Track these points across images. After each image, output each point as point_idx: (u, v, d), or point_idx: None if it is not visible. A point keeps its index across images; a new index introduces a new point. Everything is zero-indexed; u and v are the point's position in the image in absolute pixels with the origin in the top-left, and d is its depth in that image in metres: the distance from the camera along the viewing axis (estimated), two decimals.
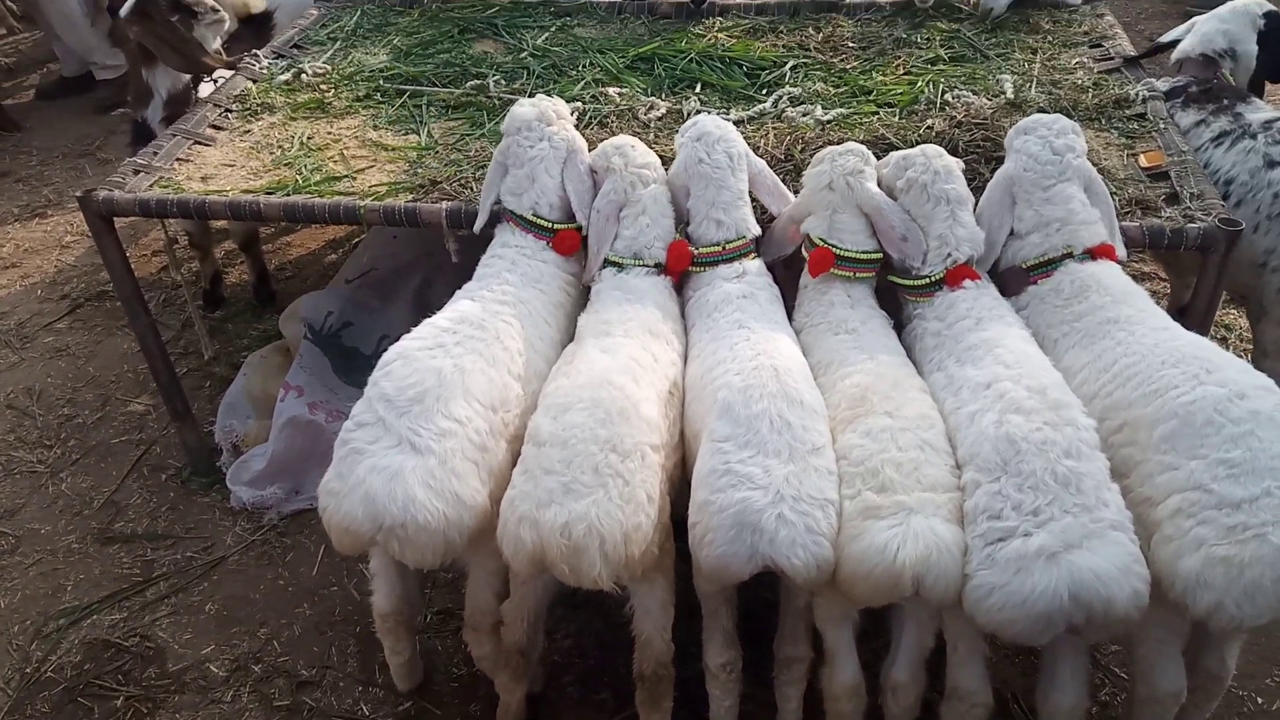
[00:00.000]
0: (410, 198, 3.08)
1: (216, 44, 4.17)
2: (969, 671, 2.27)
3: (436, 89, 3.75)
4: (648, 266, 2.73)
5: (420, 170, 3.24)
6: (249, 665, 2.94)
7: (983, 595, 2.02)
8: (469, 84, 3.74)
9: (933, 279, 2.64)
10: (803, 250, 2.77)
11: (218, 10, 4.15)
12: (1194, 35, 3.57)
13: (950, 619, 2.24)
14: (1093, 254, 2.57)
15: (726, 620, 2.39)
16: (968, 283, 2.61)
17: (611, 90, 3.60)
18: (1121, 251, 2.64)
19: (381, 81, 3.83)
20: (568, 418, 2.20)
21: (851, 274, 2.69)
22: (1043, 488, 2.05)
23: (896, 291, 2.74)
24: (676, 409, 2.45)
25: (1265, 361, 3.10)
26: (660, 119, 3.45)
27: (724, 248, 2.73)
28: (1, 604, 3.20)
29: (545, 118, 2.84)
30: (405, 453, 2.15)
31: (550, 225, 2.78)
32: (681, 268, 2.75)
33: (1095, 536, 1.99)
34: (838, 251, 2.67)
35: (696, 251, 2.75)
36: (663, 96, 3.60)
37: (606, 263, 2.75)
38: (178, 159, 3.43)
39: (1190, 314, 2.91)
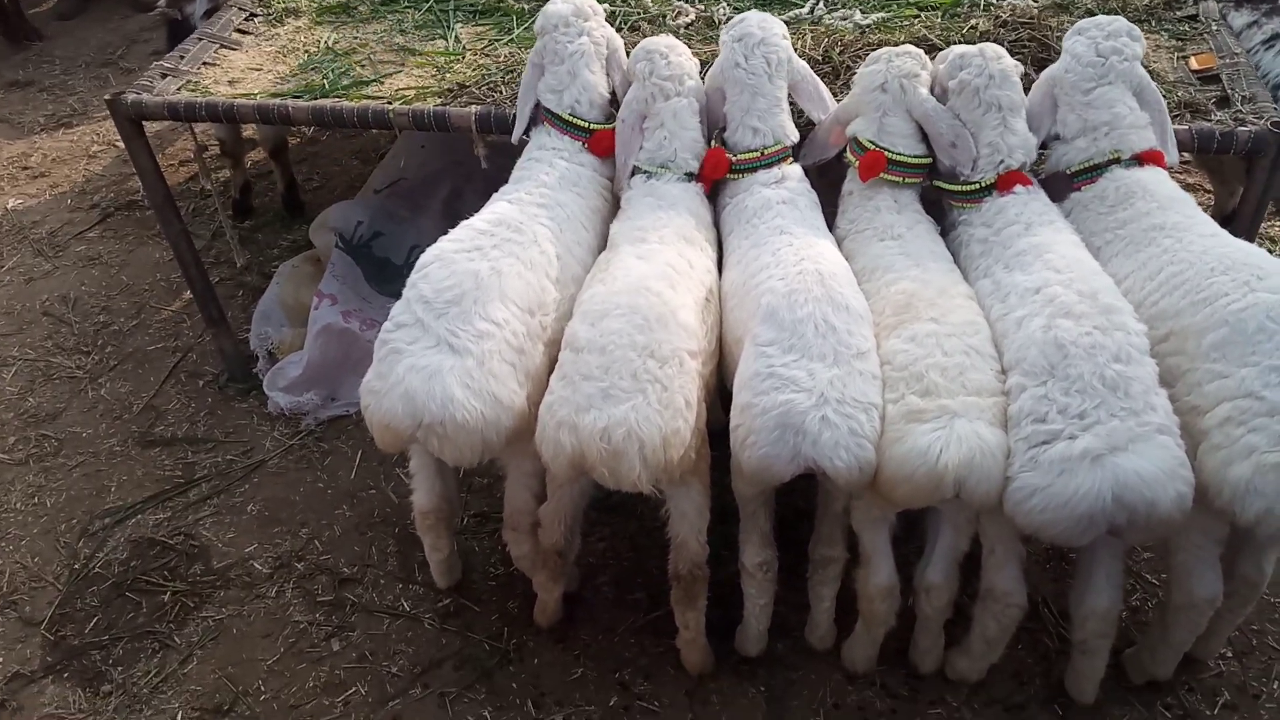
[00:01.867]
0: (439, 102, 3.03)
1: None
2: (1006, 574, 2.29)
3: None
4: (680, 174, 2.69)
5: (448, 75, 3.18)
6: (291, 563, 3.01)
7: (1025, 496, 2.03)
8: None
9: (983, 184, 2.58)
10: (847, 154, 2.71)
11: None
12: None
13: (988, 522, 2.25)
14: (1140, 159, 2.50)
15: (764, 522, 2.41)
16: (1019, 188, 2.55)
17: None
18: (1173, 157, 2.56)
19: None
20: (605, 324, 2.19)
21: (901, 179, 2.63)
22: (1090, 391, 2.03)
23: (941, 197, 2.69)
24: (714, 315, 2.44)
25: None
26: (690, 25, 3.36)
27: (762, 154, 2.68)
28: (48, 504, 3.28)
29: (582, 13, 2.78)
30: (444, 353, 2.16)
31: (588, 125, 2.73)
32: (719, 175, 2.70)
33: (1141, 440, 1.98)
34: (890, 155, 2.61)
35: (734, 158, 2.70)
36: (695, 3, 3.49)
37: (636, 170, 2.71)
38: (204, 63, 3.38)
39: (1237, 221, 2.84)
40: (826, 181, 2.89)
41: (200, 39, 3.47)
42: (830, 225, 2.69)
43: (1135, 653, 2.52)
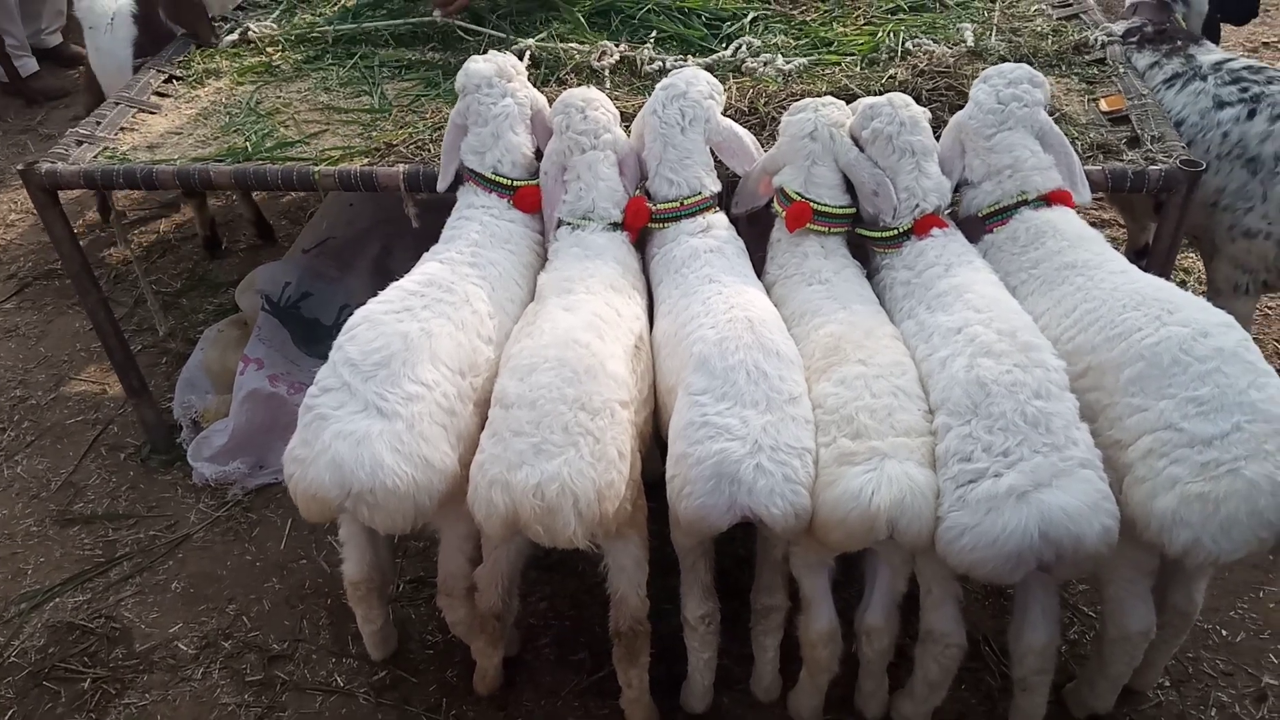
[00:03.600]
0: (366, 161, 3.01)
1: (230, 34, 3.95)
2: (943, 614, 2.28)
3: (389, 49, 3.67)
4: (604, 224, 2.69)
5: (375, 133, 3.16)
6: (218, 642, 2.89)
7: (955, 536, 2.04)
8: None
9: (901, 229, 2.63)
10: (774, 205, 2.75)
11: None
12: None
13: (924, 562, 2.26)
14: (1048, 200, 2.57)
15: (704, 573, 2.39)
16: (935, 231, 2.61)
17: (569, 45, 3.53)
18: (1084, 196, 2.64)
19: (330, 44, 3.73)
20: (534, 378, 2.17)
21: (827, 229, 2.68)
22: (1013, 429, 2.06)
23: (865, 243, 2.73)
24: (644, 364, 2.43)
25: (1219, 300, 3.13)
26: (615, 66, 3.39)
27: (681, 204, 2.71)
28: None
29: (505, 73, 2.79)
30: (372, 417, 2.11)
31: (510, 182, 2.73)
32: (640, 224, 2.72)
33: (1065, 475, 2.00)
34: (815, 206, 2.65)
35: (655, 208, 2.72)
36: (619, 44, 3.54)
37: (561, 222, 2.72)
38: (121, 128, 3.32)
39: (1152, 256, 2.93)
40: (757, 230, 2.93)
41: (117, 103, 3.41)
42: (759, 272, 2.72)
43: (1075, 687, 2.53)
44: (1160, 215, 2.90)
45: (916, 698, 2.43)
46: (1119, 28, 3.48)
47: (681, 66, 3.31)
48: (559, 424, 2.09)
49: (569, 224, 2.71)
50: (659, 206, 2.73)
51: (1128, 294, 2.23)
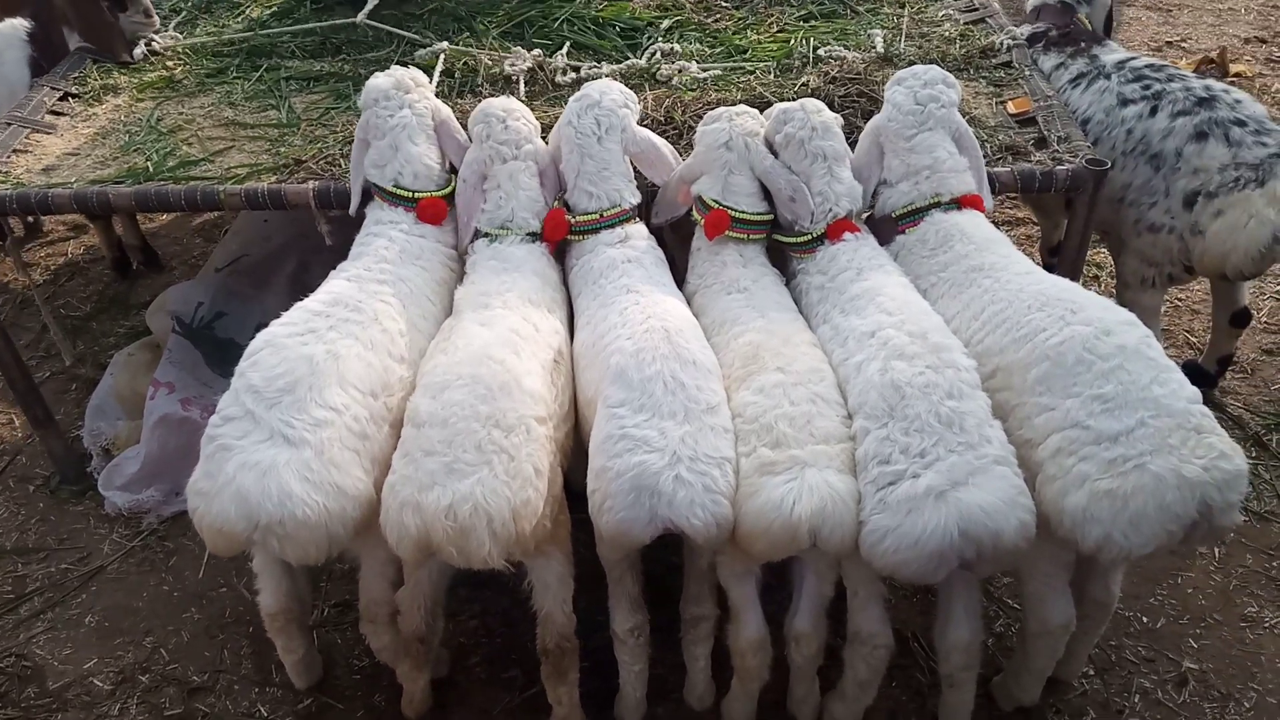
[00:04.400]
0: (274, 178, 2.94)
1: (140, 49, 3.82)
2: (869, 615, 2.30)
3: (297, 61, 3.59)
4: (522, 235, 2.67)
5: (283, 149, 3.09)
6: (136, 676, 2.79)
7: (877, 539, 2.05)
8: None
9: (815, 234, 2.65)
10: (694, 213, 2.75)
11: (150, 15, 3.89)
12: None
13: (849, 566, 2.27)
14: (959, 203, 2.62)
15: (631, 586, 2.37)
16: (848, 235, 2.63)
17: (484, 55, 3.49)
18: (989, 201, 2.69)
19: (236, 57, 3.64)
20: (447, 396, 2.13)
21: (745, 236, 2.69)
22: (928, 429, 2.09)
23: (781, 249, 2.75)
24: (563, 377, 2.40)
25: (1127, 293, 3.23)
26: (529, 75, 3.38)
27: (601, 215, 2.69)
28: None
29: (403, 85, 2.74)
30: (278, 445, 2.05)
31: (412, 194, 2.68)
32: (559, 237, 2.70)
33: (980, 472, 2.03)
34: (733, 214, 2.66)
35: (574, 220, 2.70)
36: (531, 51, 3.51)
37: (479, 234, 2.68)
38: (15, 150, 3.18)
39: (1063, 253, 3.00)
40: (680, 237, 2.92)
41: (9, 124, 3.27)
42: (680, 281, 2.72)
43: (1002, 680, 2.56)
44: (1070, 213, 2.96)
45: (847, 699, 2.44)
46: (1024, 31, 3.56)
47: (596, 75, 3.30)
48: (472, 442, 2.05)
49: (487, 235, 2.67)
50: (578, 219, 2.71)
51: (1032, 295, 2.27)
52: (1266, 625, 2.75)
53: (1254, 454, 3.28)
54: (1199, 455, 1.94)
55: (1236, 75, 5.34)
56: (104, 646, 2.88)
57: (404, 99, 2.71)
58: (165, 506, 3.27)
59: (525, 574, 2.27)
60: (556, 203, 2.77)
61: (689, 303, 2.66)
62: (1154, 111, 3.07)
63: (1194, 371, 3.37)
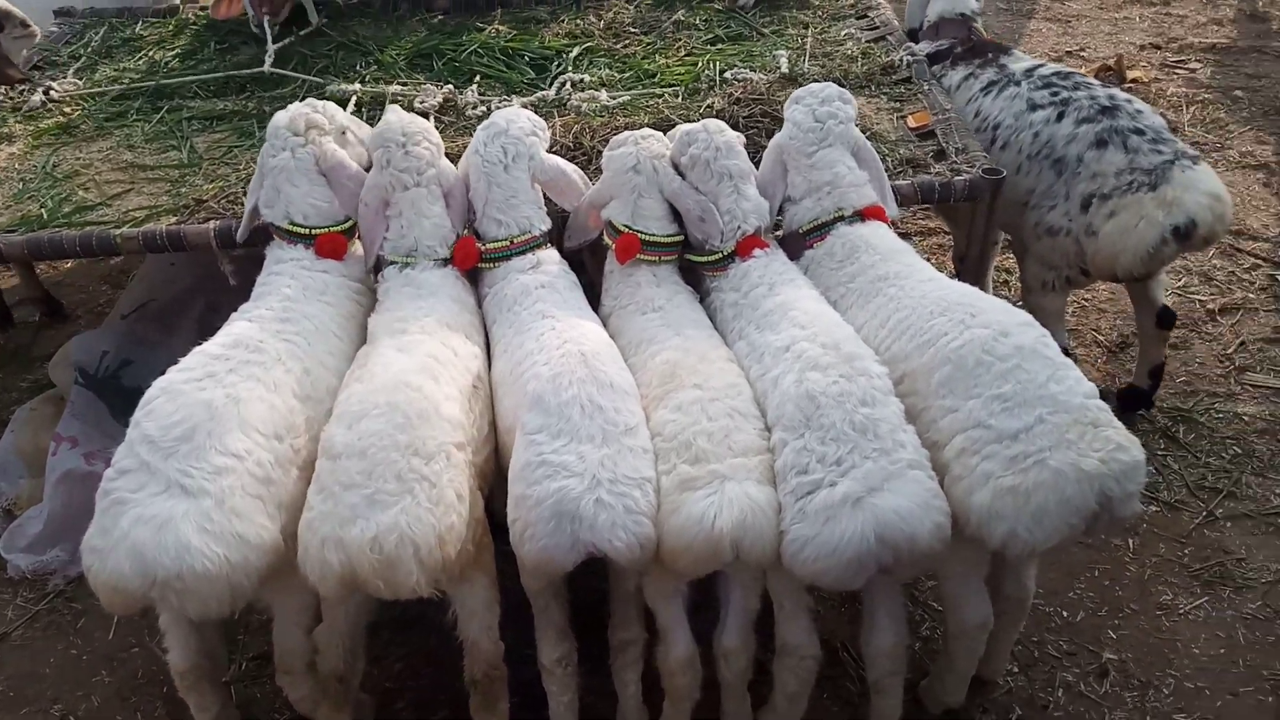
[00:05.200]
0: (174, 220, 2.87)
1: (22, 56, 3.75)
2: (796, 627, 2.31)
3: (199, 100, 3.53)
4: (433, 260, 2.64)
5: (184, 189, 3.02)
6: None
7: (798, 549, 2.07)
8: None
9: (725, 253, 2.68)
10: (605, 237, 2.76)
11: (28, 25, 3.80)
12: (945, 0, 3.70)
13: (773, 578, 2.28)
14: (862, 215, 2.68)
15: (557, 614, 2.34)
16: (757, 252, 2.67)
17: (392, 87, 3.48)
18: (893, 211, 2.76)
19: (136, 99, 3.56)
20: (364, 425, 2.10)
21: (657, 258, 2.71)
22: (843, 438, 2.12)
23: (694, 268, 2.77)
24: (481, 403, 2.38)
25: (1030, 297, 3.31)
26: (439, 108, 3.36)
27: (511, 242, 2.68)
28: None
29: (294, 126, 2.67)
30: (175, 497, 1.98)
31: (308, 231, 2.63)
32: (469, 265, 2.68)
33: (895, 477, 2.07)
34: (643, 237, 2.68)
35: (484, 248, 2.68)
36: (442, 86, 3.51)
37: (388, 261, 2.65)
38: None
39: (966, 260, 3.09)
40: (598, 260, 2.93)
41: None
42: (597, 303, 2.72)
43: (928, 683, 2.59)
44: (971, 221, 3.05)
45: (779, 712, 2.44)
46: (925, 47, 3.66)
47: (505, 106, 3.31)
48: (392, 472, 2.02)
49: (395, 262, 2.64)
50: (489, 246, 2.69)
51: (934, 301, 2.33)
52: (1181, 612, 2.84)
53: (1163, 446, 3.39)
54: (1096, 448, 2.00)
55: (1133, 81, 5.56)
56: (9, 718, 2.74)
57: (289, 141, 2.64)
58: (72, 567, 3.12)
59: (449, 607, 2.22)
60: (467, 230, 2.75)
61: (605, 324, 2.66)
62: (1060, 117, 3.16)
63: (1132, 395, 3.46)
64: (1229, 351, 3.74)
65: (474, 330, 2.54)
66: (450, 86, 3.51)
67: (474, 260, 2.67)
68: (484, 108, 3.37)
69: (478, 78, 3.61)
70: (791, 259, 2.73)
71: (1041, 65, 3.43)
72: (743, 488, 2.11)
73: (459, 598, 2.21)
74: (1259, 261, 4.17)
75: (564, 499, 2.06)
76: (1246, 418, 3.45)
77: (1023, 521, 2.01)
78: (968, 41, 3.59)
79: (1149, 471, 3.19)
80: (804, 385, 2.22)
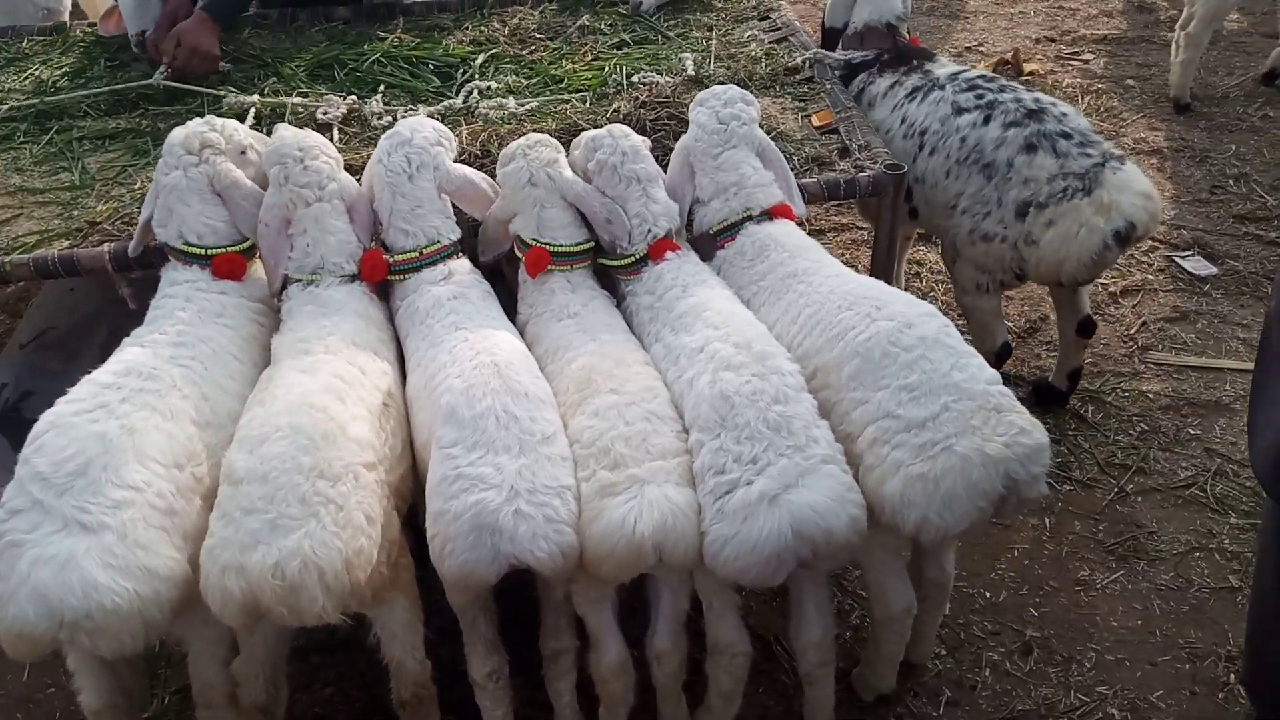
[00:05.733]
0: (67, 244, 2.76)
1: None
2: (726, 624, 2.32)
3: (91, 120, 3.40)
4: (339, 276, 2.59)
5: (77, 212, 2.91)
6: None
7: (718, 549, 2.08)
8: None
9: (637, 256, 2.68)
10: (515, 250, 2.74)
11: None
12: (871, 7, 3.62)
13: (700, 578, 2.28)
14: (770, 214, 2.71)
15: (486, 628, 2.32)
16: (669, 254, 2.68)
17: (293, 99, 3.40)
18: (800, 209, 2.80)
19: (23, 121, 3.42)
20: (265, 449, 2.04)
21: (569, 267, 2.69)
22: (757, 436, 2.14)
23: (608, 272, 2.77)
24: (394, 420, 2.34)
25: (965, 298, 3.35)
26: (343, 119, 3.31)
27: (421, 253, 2.64)
28: None
29: (189, 144, 2.58)
30: (75, 534, 1.90)
31: (204, 251, 2.55)
32: (378, 279, 2.63)
33: (809, 473, 2.09)
34: (551, 249, 2.66)
35: (392, 260, 2.64)
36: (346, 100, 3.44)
37: (290, 279, 2.59)
38: None
39: (874, 254, 3.14)
40: (513, 268, 2.90)
41: None
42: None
43: (859, 671, 2.63)
44: (878, 216, 3.10)
45: (715, 711, 2.45)
46: (850, 55, 3.63)
47: (411, 115, 3.27)
48: (295, 495, 1.97)
49: (300, 280, 2.58)
50: (397, 258, 2.65)
51: (841, 296, 2.38)
52: (1098, 587, 2.93)
53: (1074, 426, 3.50)
54: (1000, 433, 2.05)
55: (1031, 74, 5.73)
56: None
57: (182, 159, 2.56)
58: None
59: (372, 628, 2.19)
60: (374, 242, 2.71)
61: (522, 333, 2.64)
62: (987, 121, 3.15)
63: (1049, 392, 3.53)
64: (1132, 332, 3.88)
65: (383, 345, 2.50)
66: (354, 97, 3.45)
67: (382, 273, 2.62)
68: (389, 118, 3.31)
69: (382, 87, 3.55)
70: (704, 260, 2.75)
71: (965, 69, 3.43)
72: (662, 491, 2.11)
73: (379, 620, 2.18)
74: (1156, 243, 4.33)
75: (482, 512, 2.04)
76: (1151, 395, 3.58)
77: (933, 507, 2.06)
78: (893, 50, 3.58)
79: (1061, 452, 3.36)
80: (718, 386, 2.24)
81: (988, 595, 2.94)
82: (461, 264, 2.69)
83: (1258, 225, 4.39)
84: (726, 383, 2.23)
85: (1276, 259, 4.18)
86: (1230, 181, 4.71)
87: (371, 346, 2.43)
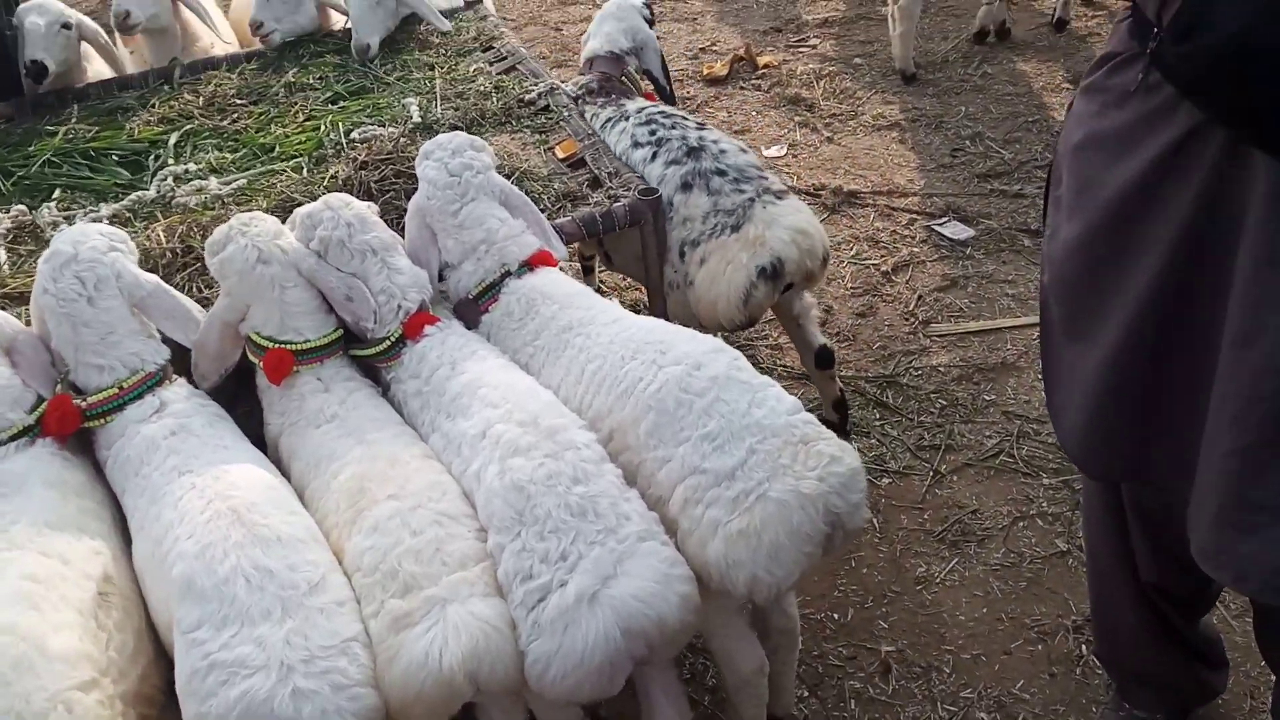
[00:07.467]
0: None
1: None
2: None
3: None
4: (14, 440, 2.10)
5: None
6: None
7: (542, 669, 1.80)
8: None
9: (392, 338, 2.34)
10: (249, 355, 2.33)
11: None
12: (599, 37, 3.50)
13: (530, 697, 1.98)
14: (530, 265, 2.44)
15: None
16: (429, 329, 2.36)
17: None
18: (561, 252, 2.55)
19: None
20: None
21: (319, 363, 2.32)
22: (562, 527, 1.87)
23: (365, 363, 2.41)
24: (119, 609, 1.90)
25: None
26: (10, 236, 2.79)
27: (121, 388, 2.18)
28: None
29: None
30: None
31: None
32: (69, 431, 2.15)
33: (626, 557, 1.85)
34: (293, 348, 2.28)
35: (85, 403, 2.17)
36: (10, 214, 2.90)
37: None
38: None
39: (648, 286, 2.94)
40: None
41: None
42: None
43: None
44: (643, 245, 2.89)
45: None
46: (582, 80, 3.45)
47: (97, 218, 2.78)
48: None
49: None
50: (91, 400, 2.17)
51: (623, 344, 2.14)
52: (938, 581, 2.84)
53: (879, 416, 3.44)
54: (811, 467, 1.88)
55: (766, 66, 5.79)
56: None
57: None
58: None
59: None
60: (60, 386, 2.22)
61: (275, 449, 2.27)
62: (654, 157, 2.99)
63: (829, 424, 3.31)
64: (910, 308, 3.89)
65: (89, 516, 2.03)
66: (21, 207, 2.90)
67: (74, 423, 2.14)
68: (66, 225, 2.79)
69: (57, 191, 3.02)
70: (470, 328, 2.45)
71: (651, 105, 3.27)
72: (466, 608, 1.81)
73: None
74: (914, 216, 4.41)
75: (251, 704, 1.66)
76: (942, 369, 3.58)
77: (760, 563, 1.85)
78: (606, 79, 3.40)
79: (873, 445, 3.29)
80: (508, 476, 1.95)
81: (835, 617, 2.79)
82: (176, 390, 2.25)
83: (1000, 181, 4.56)
84: (517, 471, 1.95)
85: (1024, 211, 4.34)
86: (967, 142, 4.88)
87: (73, 523, 1.96)
